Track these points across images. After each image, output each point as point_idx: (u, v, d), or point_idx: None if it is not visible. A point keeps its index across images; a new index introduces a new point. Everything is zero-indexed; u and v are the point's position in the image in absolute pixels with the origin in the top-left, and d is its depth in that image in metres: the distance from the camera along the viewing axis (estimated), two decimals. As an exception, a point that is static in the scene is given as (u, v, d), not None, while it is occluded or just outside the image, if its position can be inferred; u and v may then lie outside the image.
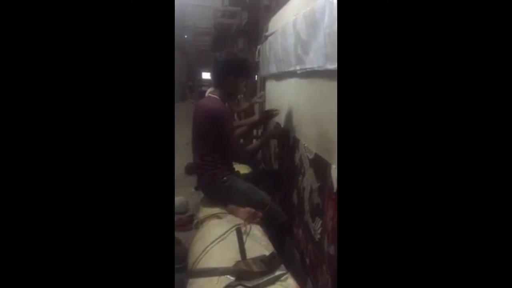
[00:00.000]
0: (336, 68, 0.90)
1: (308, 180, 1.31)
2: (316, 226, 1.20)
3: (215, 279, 0.89)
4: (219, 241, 1.09)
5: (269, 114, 1.61)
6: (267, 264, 0.95)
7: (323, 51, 1.02)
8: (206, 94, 1.46)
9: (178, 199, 2.21)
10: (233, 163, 1.63)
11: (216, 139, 1.35)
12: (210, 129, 1.34)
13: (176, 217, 2.00)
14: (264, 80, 2.40)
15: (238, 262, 0.94)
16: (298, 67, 1.32)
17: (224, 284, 0.86)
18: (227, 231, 1.13)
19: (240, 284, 0.85)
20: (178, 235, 1.66)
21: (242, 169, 1.85)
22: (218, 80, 1.39)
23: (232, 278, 0.89)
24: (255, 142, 1.59)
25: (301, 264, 1.36)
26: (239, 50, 3.36)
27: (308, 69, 1.20)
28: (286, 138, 1.58)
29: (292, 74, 1.47)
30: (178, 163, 1.05)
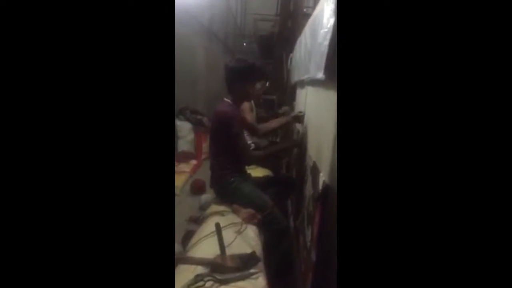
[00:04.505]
0: (323, 78, 0.92)
1: (308, 188, 1.32)
2: (308, 233, 1.21)
3: (192, 267, 0.97)
4: (211, 236, 1.17)
5: (298, 117, 1.65)
6: (244, 262, 0.99)
7: (317, 59, 1.04)
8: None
9: (205, 197, 2.35)
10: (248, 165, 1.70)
11: (224, 141, 1.44)
12: (218, 131, 1.44)
13: (199, 213, 2.13)
14: (295, 87, 2.43)
15: (216, 256, 1.00)
16: (306, 76, 1.34)
17: (197, 273, 0.93)
18: (221, 227, 1.20)
19: (210, 275, 0.91)
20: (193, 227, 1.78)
21: (259, 172, 1.91)
22: (228, 85, 1.47)
23: (207, 270, 0.96)
24: (264, 149, 1.63)
25: (298, 271, 1.37)
26: (278, 58, 3.42)
27: (311, 78, 1.22)
28: (297, 147, 1.60)
29: (305, 83, 1.50)
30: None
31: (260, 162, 1.79)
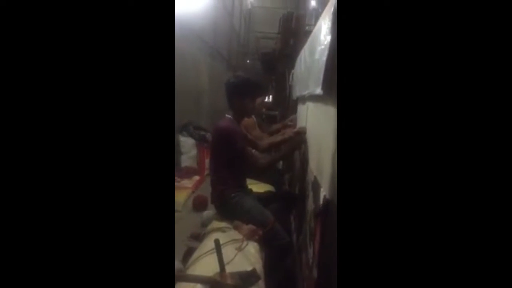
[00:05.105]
0: (321, 93, 0.93)
1: (310, 203, 1.31)
2: (310, 250, 1.18)
3: (191, 285, 0.95)
4: (211, 253, 1.15)
5: (300, 133, 1.63)
6: (244, 279, 0.98)
7: (315, 75, 1.05)
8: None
9: (207, 213, 2.33)
10: (248, 180, 1.69)
11: (225, 156, 1.44)
12: (219, 146, 1.44)
13: (201, 229, 2.11)
14: (297, 102, 2.45)
15: (216, 273, 0.99)
16: (306, 92, 1.35)
17: (196, 291, 0.91)
18: (221, 244, 1.19)
19: (209, 294, 0.89)
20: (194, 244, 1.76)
21: (261, 187, 1.90)
22: (228, 101, 1.50)
23: (206, 288, 0.94)
24: (271, 155, 1.62)
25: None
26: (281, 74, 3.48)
27: (310, 93, 1.23)
28: (300, 147, 1.59)
29: (306, 98, 1.51)
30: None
31: (269, 168, 1.78)
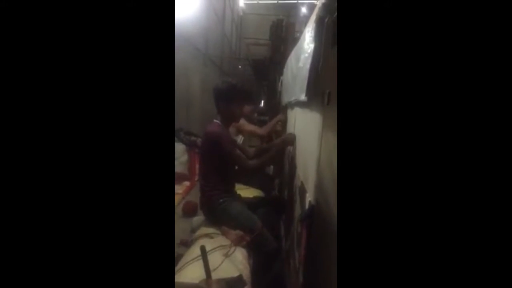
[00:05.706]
0: (306, 100, 0.95)
1: (297, 208, 1.32)
2: (297, 255, 1.19)
3: (176, 292, 0.95)
4: (198, 260, 1.15)
5: (290, 139, 1.65)
6: (230, 286, 0.98)
7: (300, 82, 1.07)
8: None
9: (196, 219, 2.32)
10: (238, 185, 1.69)
11: (213, 161, 1.44)
12: (208, 151, 1.45)
13: (191, 235, 2.10)
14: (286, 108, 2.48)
15: (202, 280, 0.98)
16: (293, 98, 1.37)
17: (181, 299, 0.91)
18: (209, 251, 1.19)
19: (194, 300, 0.89)
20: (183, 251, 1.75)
21: (250, 193, 1.91)
22: (216, 106, 1.51)
23: (192, 294, 0.93)
24: (261, 157, 1.62)
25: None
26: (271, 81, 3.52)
27: (296, 100, 1.25)
28: (290, 144, 1.61)
29: (293, 104, 1.53)
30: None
31: (258, 170, 1.79)
